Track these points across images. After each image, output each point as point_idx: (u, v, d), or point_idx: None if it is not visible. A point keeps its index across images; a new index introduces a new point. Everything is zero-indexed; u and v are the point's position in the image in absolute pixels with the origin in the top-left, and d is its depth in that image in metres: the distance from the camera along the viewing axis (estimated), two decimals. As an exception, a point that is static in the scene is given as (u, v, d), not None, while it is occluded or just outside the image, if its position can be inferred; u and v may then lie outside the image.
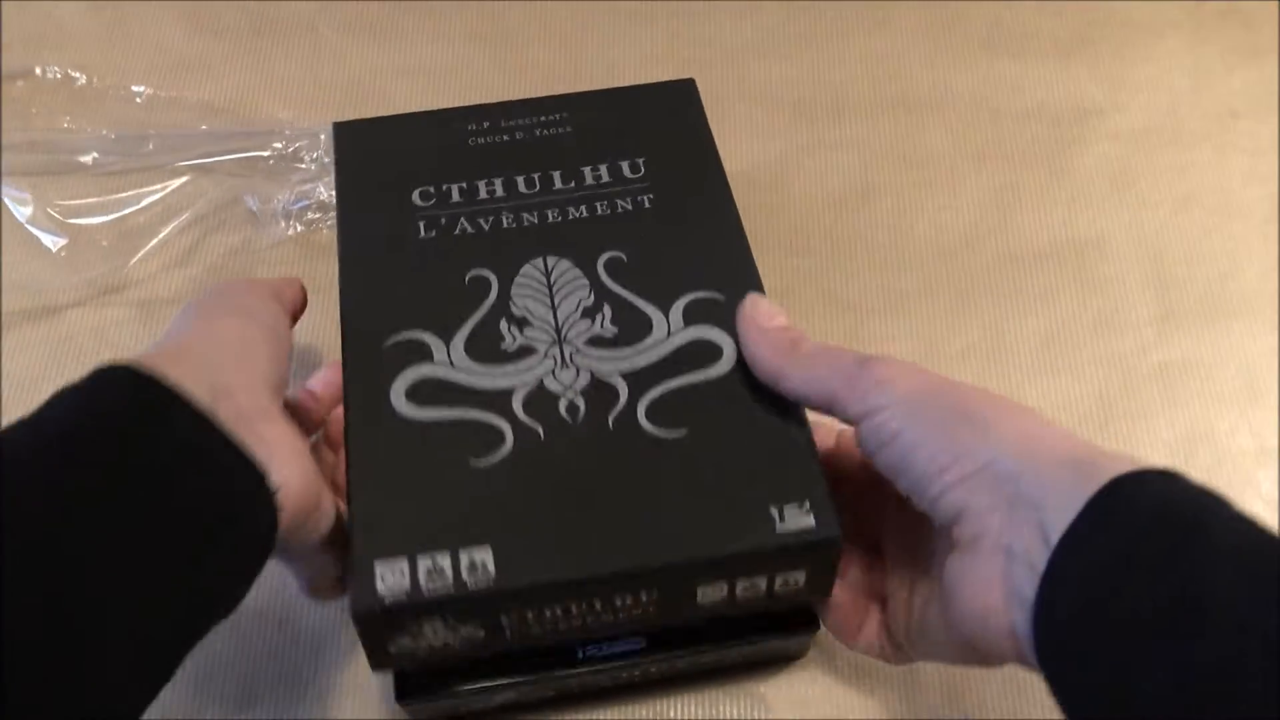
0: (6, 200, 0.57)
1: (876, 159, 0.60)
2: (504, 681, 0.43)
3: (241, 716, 0.46)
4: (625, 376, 0.40)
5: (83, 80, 0.62)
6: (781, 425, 0.39)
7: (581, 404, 0.39)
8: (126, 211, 0.58)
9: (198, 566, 0.32)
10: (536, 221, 0.45)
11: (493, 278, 0.43)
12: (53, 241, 0.56)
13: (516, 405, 0.39)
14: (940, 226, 0.58)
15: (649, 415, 0.39)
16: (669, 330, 0.41)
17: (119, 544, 0.30)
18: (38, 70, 0.62)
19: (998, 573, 0.33)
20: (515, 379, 0.40)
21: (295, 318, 0.44)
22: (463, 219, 0.45)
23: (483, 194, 0.46)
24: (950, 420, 0.35)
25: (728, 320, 0.41)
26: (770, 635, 0.44)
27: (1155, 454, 0.52)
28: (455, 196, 0.46)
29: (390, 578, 0.35)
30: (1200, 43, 0.63)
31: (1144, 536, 0.30)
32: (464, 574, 0.35)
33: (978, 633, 0.34)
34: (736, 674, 0.46)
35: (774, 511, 0.37)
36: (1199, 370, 0.54)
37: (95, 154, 0.60)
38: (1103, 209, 0.59)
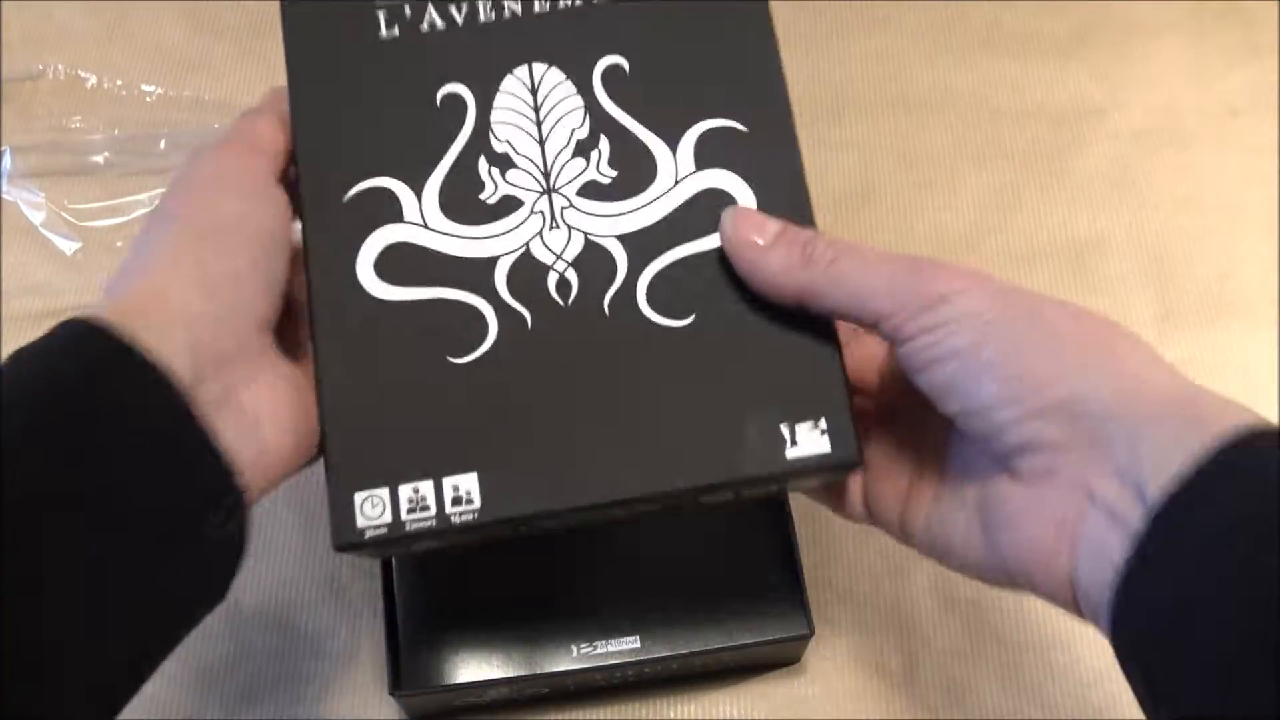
0: (20, 203, 0.57)
1: (876, 159, 0.60)
2: (497, 677, 0.43)
3: (241, 717, 0.46)
4: (624, 240, 0.36)
5: (93, 80, 0.62)
6: (799, 316, 0.34)
7: (574, 279, 0.35)
8: (139, 214, 0.58)
9: (160, 579, 0.30)
10: (520, 12, 0.38)
11: (469, 97, 0.37)
12: (67, 246, 0.56)
13: (500, 282, 0.35)
14: (940, 226, 0.58)
15: (650, 296, 0.35)
16: (676, 175, 0.36)
17: (75, 544, 0.28)
18: (50, 73, 0.62)
19: (1070, 515, 0.29)
20: (498, 245, 0.36)
21: (284, 172, 0.37)
22: (431, 8, 0.38)
23: None
24: (1030, 343, 0.30)
25: (748, 162, 0.36)
26: (764, 641, 0.43)
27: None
28: None
29: (370, 510, 0.33)
30: (1200, 43, 0.63)
31: (1274, 514, 0.25)
32: (448, 507, 0.33)
33: (1028, 569, 0.30)
34: (735, 674, 0.46)
35: (785, 432, 0.33)
36: (1199, 370, 0.54)
37: (107, 153, 0.59)
38: (1103, 209, 0.59)
